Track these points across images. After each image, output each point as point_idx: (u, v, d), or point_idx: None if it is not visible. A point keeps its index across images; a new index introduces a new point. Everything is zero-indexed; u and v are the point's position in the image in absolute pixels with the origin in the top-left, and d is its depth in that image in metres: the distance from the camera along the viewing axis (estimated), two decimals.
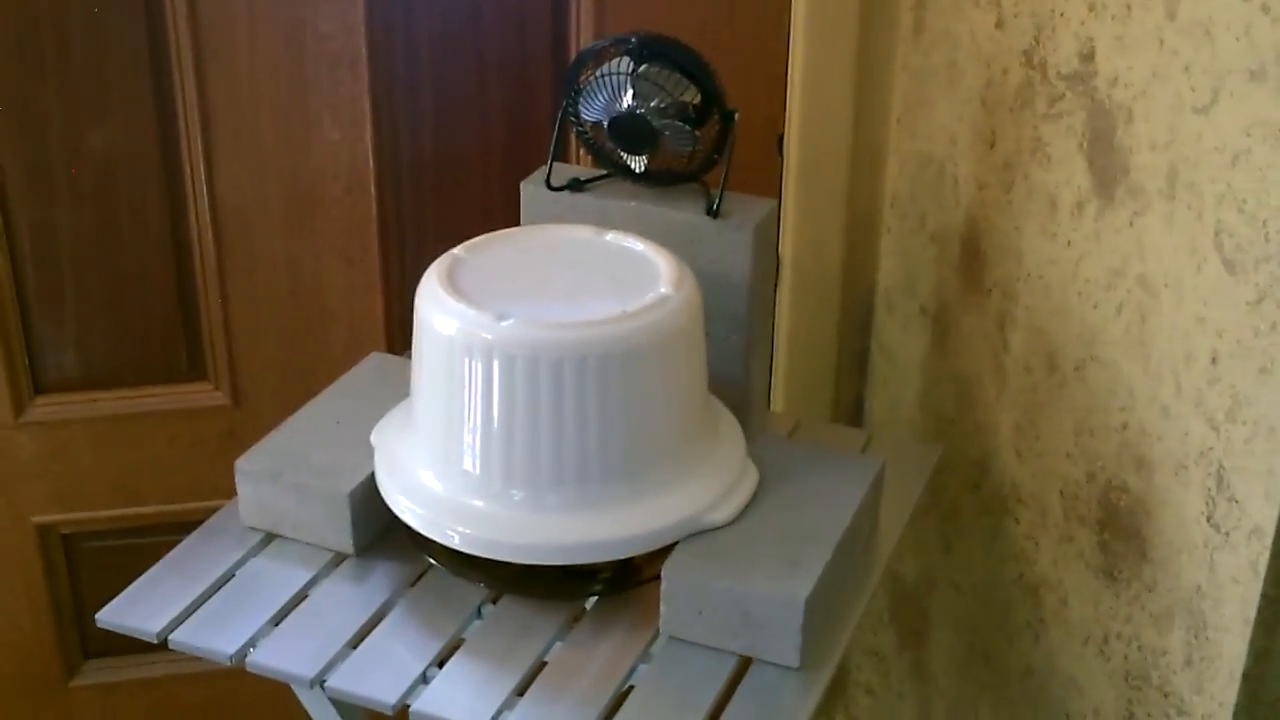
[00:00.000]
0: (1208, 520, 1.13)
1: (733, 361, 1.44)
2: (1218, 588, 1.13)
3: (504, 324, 1.20)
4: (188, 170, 1.59)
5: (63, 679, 1.82)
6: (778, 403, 1.81)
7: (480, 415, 1.22)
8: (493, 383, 1.20)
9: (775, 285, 1.76)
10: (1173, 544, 1.19)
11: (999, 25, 1.40)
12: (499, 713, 1.17)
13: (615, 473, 1.23)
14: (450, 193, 1.65)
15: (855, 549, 1.31)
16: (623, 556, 1.26)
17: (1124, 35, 1.19)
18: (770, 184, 1.70)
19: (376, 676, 1.20)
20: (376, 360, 1.49)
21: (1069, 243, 1.31)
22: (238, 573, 1.31)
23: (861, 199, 1.71)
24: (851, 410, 1.83)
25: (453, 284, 1.25)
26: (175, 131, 1.58)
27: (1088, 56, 1.25)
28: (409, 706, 1.18)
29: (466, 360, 1.21)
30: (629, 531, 1.24)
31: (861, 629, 1.88)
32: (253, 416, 1.70)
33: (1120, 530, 1.27)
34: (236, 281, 1.65)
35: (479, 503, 1.24)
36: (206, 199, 1.60)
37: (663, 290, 1.25)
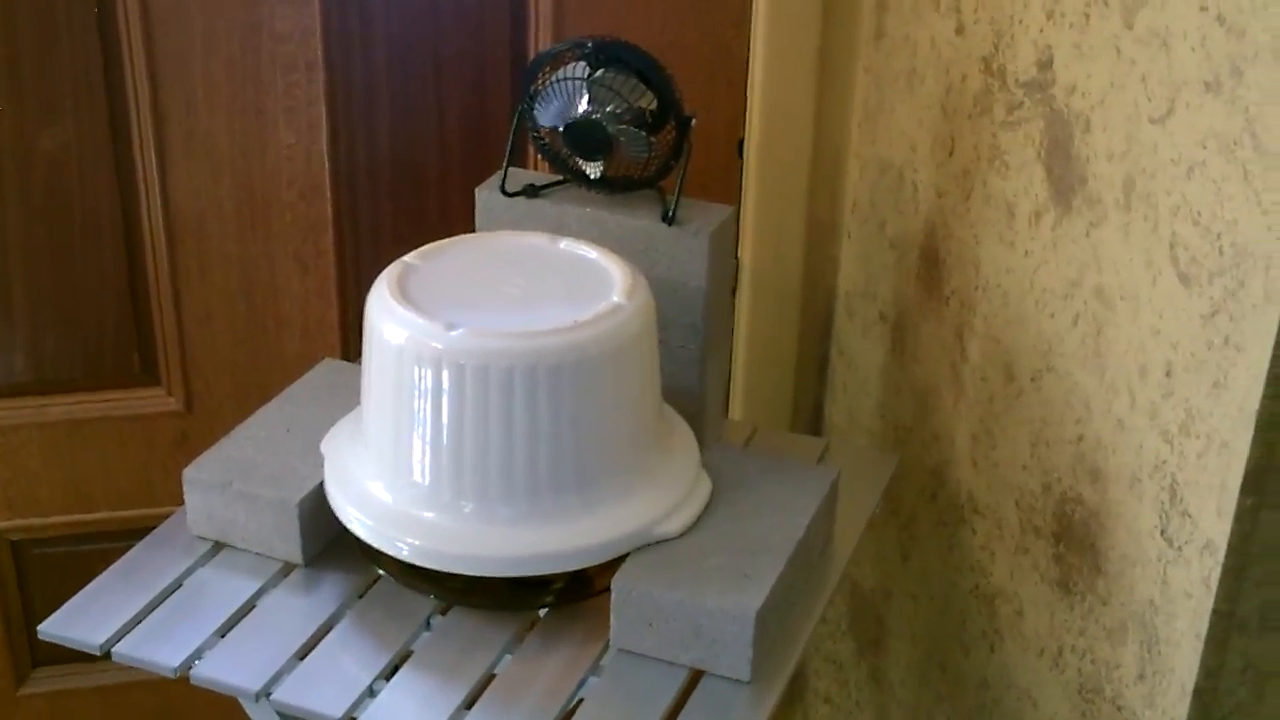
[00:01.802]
0: (1161, 534, 1.13)
1: (689, 370, 1.42)
2: (1170, 602, 1.12)
3: (453, 333, 1.18)
4: (140, 172, 1.57)
5: (11, 687, 1.80)
6: (736, 408, 1.79)
7: (429, 425, 1.20)
8: (442, 393, 1.19)
9: (734, 290, 1.75)
10: (1126, 557, 1.18)
11: (959, 31, 1.39)
12: None
13: (566, 484, 1.22)
14: (407, 198, 1.64)
15: (809, 560, 1.30)
16: (573, 568, 1.24)
17: (1081, 43, 1.18)
18: (730, 188, 1.69)
19: (322, 689, 1.19)
20: (328, 367, 1.47)
21: (1026, 252, 1.30)
22: (185, 583, 1.29)
23: (822, 204, 1.69)
24: (811, 416, 1.82)
25: (403, 292, 1.24)
26: (128, 132, 1.55)
27: (1046, 64, 1.24)
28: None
29: (415, 369, 1.19)
30: (579, 543, 1.22)
31: (820, 636, 1.87)
32: (206, 422, 1.67)
33: (1075, 543, 1.26)
34: (189, 285, 1.63)
35: (428, 514, 1.22)
36: (159, 201, 1.58)
37: (615, 299, 1.23)
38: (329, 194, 1.60)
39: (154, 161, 1.56)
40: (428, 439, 1.21)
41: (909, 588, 1.61)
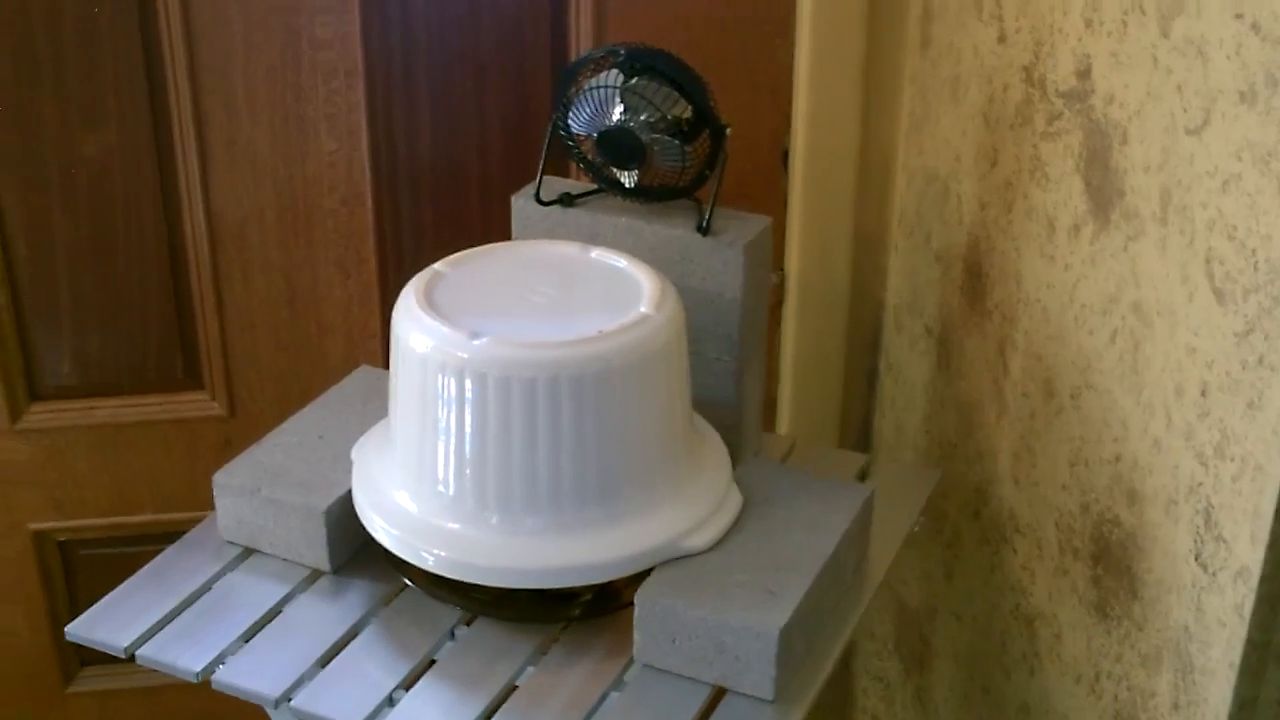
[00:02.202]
0: (1196, 559, 1.09)
1: (724, 382, 1.40)
2: (1205, 630, 1.08)
3: (476, 342, 1.17)
4: (183, 178, 1.58)
5: (60, 685, 1.81)
6: (783, 422, 1.77)
7: (454, 435, 1.19)
8: (465, 402, 1.18)
9: (781, 302, 1.73)
10: (1163, 582, 1.15)
11: (1001, 40, 1.36)
12: None
13: (590, 496, 1.20)
14: (448, 205, 1.63)
15: (839, 578, 1.28)
16: (597, 581, 1.23)
17: (1119, 52, 1.15)
18: (775, 199, 1.67)
19: (342, 697, 1.18)
20: (365, 374, 1.47)
21: (1066, 266, 1.27)
22: (213, 587, 1.29)
23: (869, 215, 1.67)
24: (860, 431, 1.80)
25: (429, 300, 1.23)
26: (170, 140, 1.56)
27: (1085, 74, 1.21)
28: None
29: (440, 378, 1.19)
30: (603, 556, 1.21)
31: (868, 654, 1.84)
32: (249, 426, 1.68)
33: (1112, 565, 1.23)
34: (232, 291, 1.63)
35: (454, 524, 1.21)
36: (202, 208, 1.59)
37: (643, 310, 1.22)
38: (370, 201, 1.61)
39: (196, 168, 1.57)
40: (452, 448, 1.20)
41: (953, 607, 1.58)
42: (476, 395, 1.17)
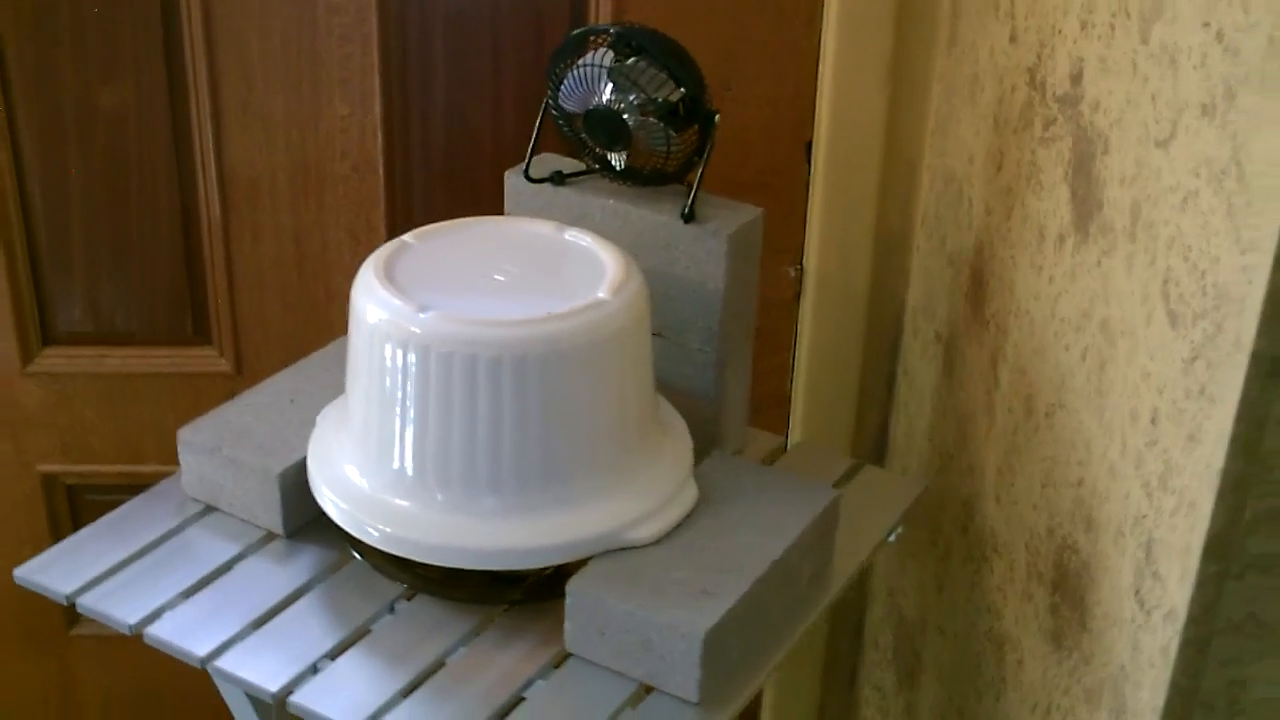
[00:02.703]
0: (1136, 595, 1.03)
1: (705, 375, 1.37)
2: (1138, 670, 1.03)
3: (423, 315, 1.16)
4: (197, 138, 1.58)
5: (63, 628, 1.84)
6: (796, 422, 1.73)
7: (398, 409, 1.18)
8: (409, 376, 1.16)
9: (798, 297, 1.69)
10: (1108, 615, 1.09)
11: (1012, 40, 1.31)
12: (378, 712, 1.13)
13: (532, 479, 1.18)
14: (460, 177, 1.62)
15: (790, 583, 1.24)
16: (533, 567, 1.21)
17: (1107, 57, 1.10)
18: (796, 191, 1.62)
19: (267, 662, 1.17)
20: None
21: (1051, 278, 1.22)
22: (168, 542, 1.30)
23: (893, 214, 1.62)
24: (875, 436, 1.75)
25: (388, 271, 1.22)
26: (185, 99, 1.57)
27: (1077, 78, 1.15)
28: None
29: (386, 350, 1.17)
30: (540, 541, 1.19)
31: (872, 664, 1.80)
32: (254, 385, 1.68)
33: (1069, 594, 1.17)
34: (242, 251, 1.64)
35: (399, 500, 1.20)
36: (214, 167, 1.59)
37: (599, 295, 1.19)
38: (381, 170, 1.60)
39: (210, 127, 1.57)
40: (396, 422, 1.18)
41: (940, 622, 1.53)
42: (420, 370, 1.16)
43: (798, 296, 1.68)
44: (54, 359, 1.69)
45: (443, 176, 1.62)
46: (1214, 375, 0.91)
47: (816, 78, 1.57)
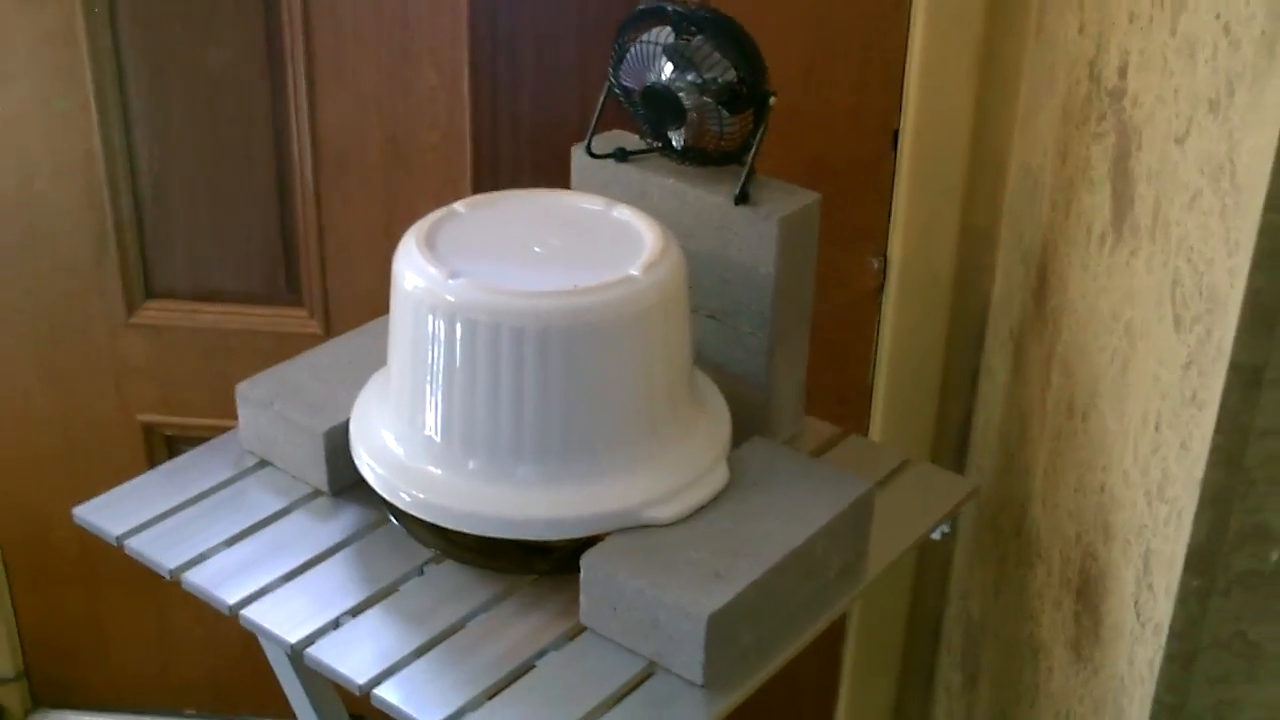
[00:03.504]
0: (1135, 606, 1.00)
1: (756, 360, 1.36)
2: (1132, 683, 1.00)
3: (452, 282, 1.17)
4: (292, 102, 1.63)
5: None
6: (876, 415, 1.71)
7: (429, 375, 1.20)
8: (438, 342, 1.18)
9: (881, 288, 1.66)
10: (1116, 626, 1.06)
11: (1080, 31, 1.27)
12: (386, 671, 1.15)
13: (553, 451, 1.19)
14: (546, 150, 1.63)
15: (812, 573, 1.22)
16: (553, 539, 1.22)
17: (1145, 49, 1.06)
18: (881, 180, 1.60)
19: (290, 614, 1.21)
20: None
21: (1094, 276, 1.18)
22: (220, 492, 1.34)
23: (980, 207, 1.58)
24: (957, 433, 1.71)
25: (429, 239, 1.24)
26: (282, 63, 1.61)
27: (1123, 70, 1.12)
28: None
29: (416, 315, 1.20)
30: (560, 514, 1.20)
31: (945, 665, 1.77)
32: None
33: (1088, 602, 1.14)
34: (333, 215, 1.68)
35: (431, 467, 1.22)
36: (309, 131, 1.64)
37: (630, 272, 1.19)
38: (469, 139, 1.62)
39: (305, 92, 1.62)
40: (426, 387, 1.21)
41: (995, 626, 1.50)
42: (447, 336, 1.18)
43: (881, 287, 1.65)
44: (155, 311, 1.76)
45: (529, 146, 1.64)
46: (1204, 382, 0.88)
47: (904, 65, 1.55)
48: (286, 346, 1.76)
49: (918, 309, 1.64)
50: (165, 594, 1.93)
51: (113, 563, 1.90)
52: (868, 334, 1.68)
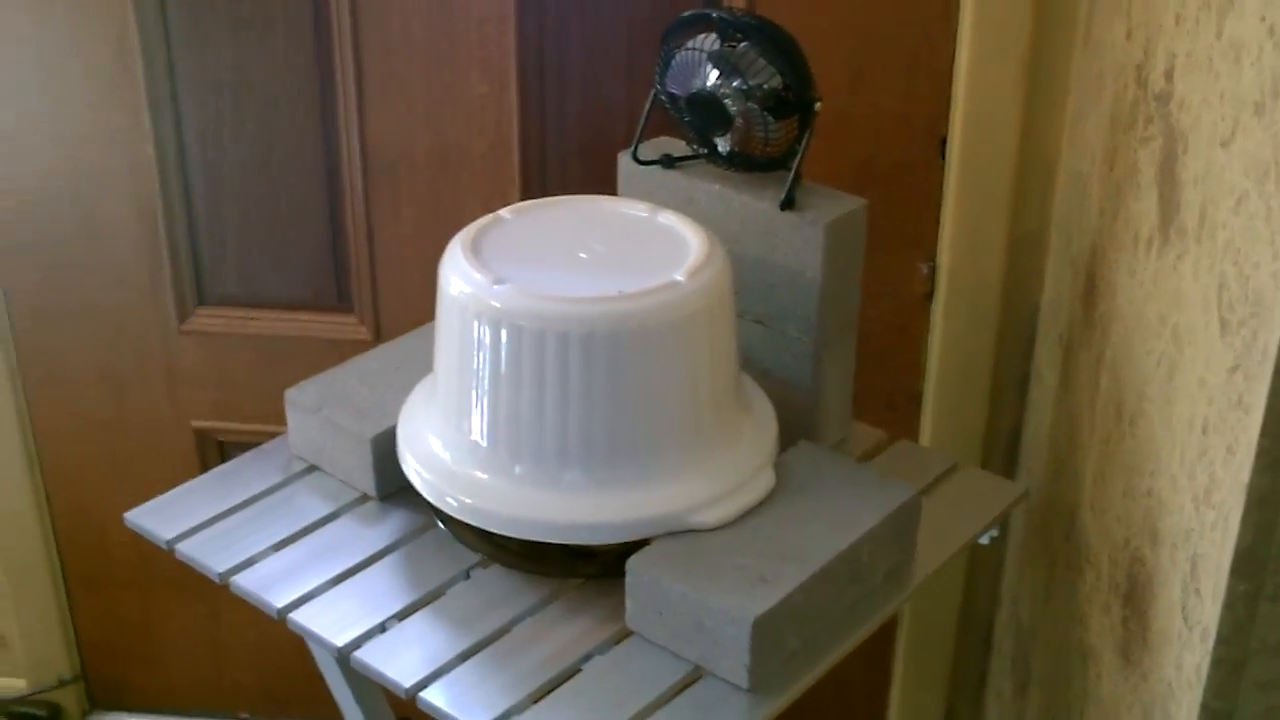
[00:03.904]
0: (1182, 611, 0.99)
1: (802, 365, 1.37)
2: (1180, 689, 0.99)
3: (497, 287, 1.18)
4: (342, 110, 1.65)
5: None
6: (926, 419, 1.70)
7: (474, 380, 1.21)
8: (483, 347, 1.19)
9: (930, 294, 1.66)
10: (1164, 632, 1.05)
11: (1128, 36, 1.26)
12: (433, 674, 1.16)
13: (598, 456, 1.20)
14: (594, 159, 1.64)
15: (858, 577, 1.22)
16: (599, 543, 1.22)
17: (1192, 52, 1.05)
18: (929, 187, 1.60)
19: (338, 618, 1.22)
20: None
21: (1141, 282, 1.17)
22: (269, 496, 1.36)
23: (1029, 214, 1.58)
24: (1008, 438, 1.70)
25: (474, 245, 1.25)
26: (331, 70, 1.63)
27: (1170, 74, 1.11)
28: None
29: (461, 321, 1.21)
30: (605, 518, 1.20)
31: (996, 672, 1.76)
32: None
33: (1136, 607, 1.13)
34: (383, 223, 1.70)
35: (477, 472, 1.23)
36: (358, 138, 1.65)
37: (675, 277, 1.20)
38: (517, 150, 1.63)
39: (354, 100, 1.63)
40: (472, 392, 1.22)
41: (1045, 632, 1.49)
42: (492, 341, 1.19)
43: (930, 293, 1.65)
44: (207, 318, 1.78)
45: (578, 156, 1.65)
46: (1250, 386, 0.87)
47: (952, 71, 1.54)
48: (337, 352, 1.78)
49: (967, 315, 1.64)
50: (219, 598, 1.96)
51: (167, 567, 1.92)
52: (917, 340, 1.68)
